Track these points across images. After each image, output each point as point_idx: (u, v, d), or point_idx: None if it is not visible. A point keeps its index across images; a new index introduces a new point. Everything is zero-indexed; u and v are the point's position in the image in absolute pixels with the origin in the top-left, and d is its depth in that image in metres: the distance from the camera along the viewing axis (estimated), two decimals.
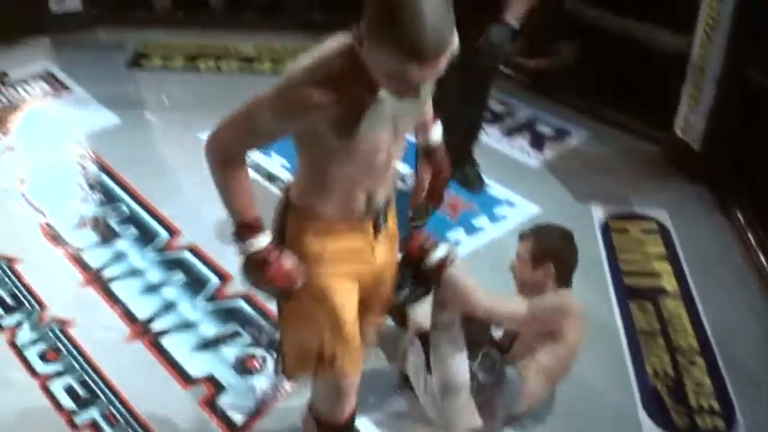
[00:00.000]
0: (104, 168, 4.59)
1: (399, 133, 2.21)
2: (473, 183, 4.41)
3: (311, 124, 2.07)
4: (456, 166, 4.31)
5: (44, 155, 4.76)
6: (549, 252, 2.97)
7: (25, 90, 5.51)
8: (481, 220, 4.20)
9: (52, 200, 4.36)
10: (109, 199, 4.35)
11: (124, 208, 4.27)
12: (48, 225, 4.17)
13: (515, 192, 4.42)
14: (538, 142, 4.88)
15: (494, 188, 4.43)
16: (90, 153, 4.74)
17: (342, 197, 2.26)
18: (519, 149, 4.82)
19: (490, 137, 4.86)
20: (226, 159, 2.14)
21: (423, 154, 2.64)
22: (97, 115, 5.14)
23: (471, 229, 4.13)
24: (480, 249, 4.01)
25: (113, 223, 4.17)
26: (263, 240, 2.19)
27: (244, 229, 2.17)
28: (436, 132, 2.61)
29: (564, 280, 3.00)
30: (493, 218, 4.23)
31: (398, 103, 2.03)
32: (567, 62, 5.50)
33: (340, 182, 2.23)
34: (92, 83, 5.48)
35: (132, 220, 4.19)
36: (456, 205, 4.27)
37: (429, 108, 2.56)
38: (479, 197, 4.36)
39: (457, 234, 4.09)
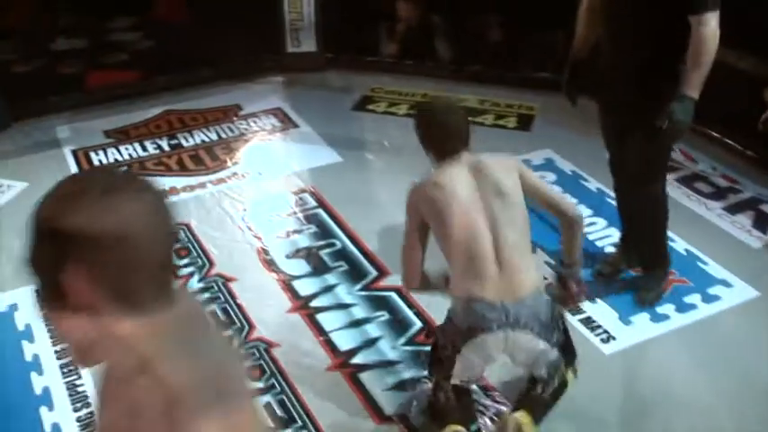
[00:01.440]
0: (322, 203, 4.75)
1: None
2: (644, 298, 4.00)
3: None
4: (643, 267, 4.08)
5: (267, 185, 5.00)
6: (418, 136, 3.11)
7: (256, 123, 5.81)
8: (693, 298, 4.00)
9: (270, 227, 4.55)
10: (324, 233, 4.49)
11: (337, 243, 4.39)
12: (264, 251, 4.35)
13: (733, 272, 4.18)
14: (762, 222, 4.63)
15: (710, 265, 4.23)
16: (310, 188, 4.92)
17: None
18: (740, 228, 4.58)
19: (711, 211, 4.68)
20: None
21: None
22: (321, 152, 5.35)
23: (682, 306, 3.94)
24: (690, 328, 3.82)
25: (325, 256, 4.29)
26: None
27: None
28: None
29: (442, 154, 3.05)
30: (707, 297, 4.01)
31: None
32: None
33: None
34: (318, 121, 5.72)
35: (344, 255, 4.30)
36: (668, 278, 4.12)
37: None
38: (694, 273, 4.17)
39: (666, 309, 3.92)
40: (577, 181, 4.96)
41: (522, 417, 2.95)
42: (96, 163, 5.26)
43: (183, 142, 5.54)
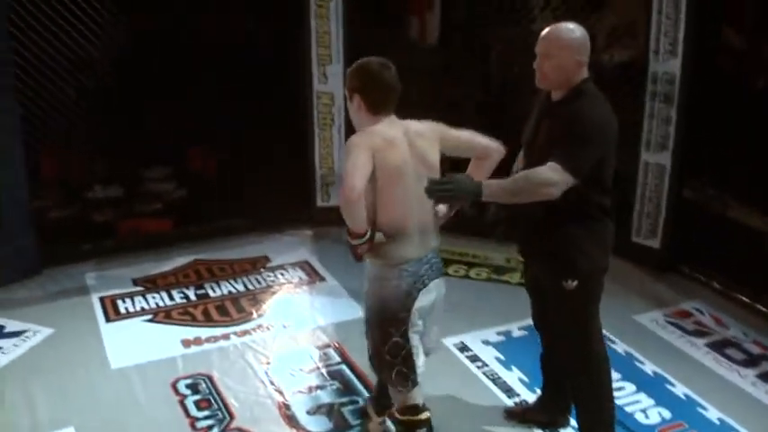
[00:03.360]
0: (346, 359, 4.70)
1: None
2: None
3: None
4: None
5: (291, 338, 4.96)
6: (350, 86, 3.39)
7: (283, 276, 5.83)
8: None
9: (293, 382, 4.49)
10: (347, 389, 4.43)
11: (360, 400, 4.31)
12: (285, 405, 4.28)
13: None
14: None
15: None
16: (334, 342, 4.88)
17: None
18: None
19: (744, 379, 4.57)
20: None
21: None
22: (346, 306, 5.32)
23: None
24: None
25: (347, 414, 4.21)
26: None
27: None
28: None
29: (377, 107, 3.33)
30: None
31: None
32: None
33: None
34: (345, 275, 5.70)
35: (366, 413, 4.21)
36: None
37: None
38: None
39: None
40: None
41: None
42: (122, 312, 5.27)
43: (210, 292, 5.56)
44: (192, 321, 5.18)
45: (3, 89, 5.34)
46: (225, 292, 5.57)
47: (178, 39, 7.21)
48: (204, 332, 5.02)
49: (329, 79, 6.15)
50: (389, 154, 3.24)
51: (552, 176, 3.22)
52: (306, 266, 5.95)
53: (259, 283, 5.71)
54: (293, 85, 6.48)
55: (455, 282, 5.66)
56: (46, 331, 5.01)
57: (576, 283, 3.44)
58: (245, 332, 5.03)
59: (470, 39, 6.91)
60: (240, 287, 5.64)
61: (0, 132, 5.35)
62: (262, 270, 5.90)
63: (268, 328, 5.07)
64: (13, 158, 5.49)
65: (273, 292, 5.58)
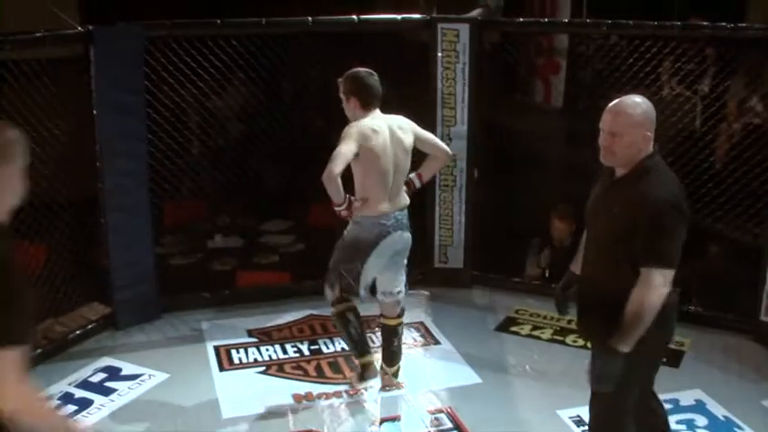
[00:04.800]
0: (458, 425, 4.60)
1: None
2: None
3: None
4: None
5: (403, 401, 4.88)
6: (346, 90, 4.54)
7: None
8: None
9: None
10: None
11: None
12: None
13: None
14: None
15: None
16: (447, 408, 4.78)
17: None
18: None
19: None
20: None
21: None
22: (460, 372, 5.23)
23: None
24: None
25: None
26: None
27: None
28: None
29: (367, 104, 4.52)
30: None
31: None
32: None
33: None
34: (460, 339, 5.62)
35: None
36: None
37: None
38: None
39: None
40: (731, 429, 4.61)
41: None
42: (236, 362, 5.30)
43: (324, 348, 5.54)
44: (305, 376, 5.17)
45: (133, 138, 5.51)
46: (338, 348, 5.53)
47: (304, 98, 7.36)
48: (316, 388, 5.00)
49: (453, 141, 6.11)
50: (374, 140, 4.40)
51: (657, 281, 3.18)
52: (421, 327, 5.87)
53: (372, 342, 5.63)
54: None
55: (573, 351, 5.50)
56: (161, 376, 5.10)
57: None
58: (357, 391, 4.98)
59: (596, 101, 6.82)
60: None
61: (128, 178, 5.53)
62: (376, 329, 5.84)
63: (379, 389, 5.01)
64: (139, 204, 5.64)
65: None
